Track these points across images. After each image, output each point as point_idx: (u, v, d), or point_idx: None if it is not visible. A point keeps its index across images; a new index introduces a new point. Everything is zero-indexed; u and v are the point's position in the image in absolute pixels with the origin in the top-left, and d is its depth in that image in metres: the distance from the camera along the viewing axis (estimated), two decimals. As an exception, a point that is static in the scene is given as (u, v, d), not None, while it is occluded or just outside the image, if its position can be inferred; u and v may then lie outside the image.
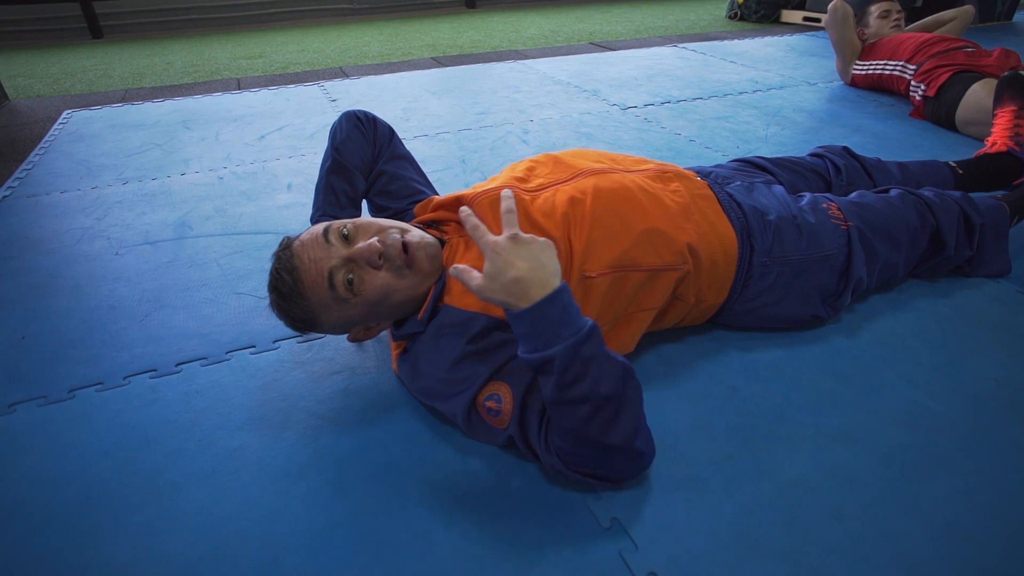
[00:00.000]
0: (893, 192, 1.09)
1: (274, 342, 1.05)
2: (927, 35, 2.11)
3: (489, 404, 0.75)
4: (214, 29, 4.42)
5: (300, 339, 1.05)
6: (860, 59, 2.33)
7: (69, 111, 2.44)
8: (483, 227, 0.69)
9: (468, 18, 4.57)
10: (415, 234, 0.85)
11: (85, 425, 0.89)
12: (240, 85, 2.79)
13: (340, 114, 1.09)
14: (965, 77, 1.87)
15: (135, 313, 1.14)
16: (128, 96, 2.68)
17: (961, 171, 1.29)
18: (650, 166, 0.99)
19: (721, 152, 1.79)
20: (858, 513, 0.72)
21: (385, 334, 1.05)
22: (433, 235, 0.90)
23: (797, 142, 1.85)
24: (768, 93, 2.35)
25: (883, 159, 1.27)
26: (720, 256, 0.92)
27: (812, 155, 1.26)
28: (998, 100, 1.48)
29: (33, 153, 2.00)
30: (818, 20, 3.60)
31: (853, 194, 1.08)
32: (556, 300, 0.65)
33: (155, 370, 1.00)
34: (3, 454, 0.84)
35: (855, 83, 2.37)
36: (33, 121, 2.37)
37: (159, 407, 0.92)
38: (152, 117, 2.32)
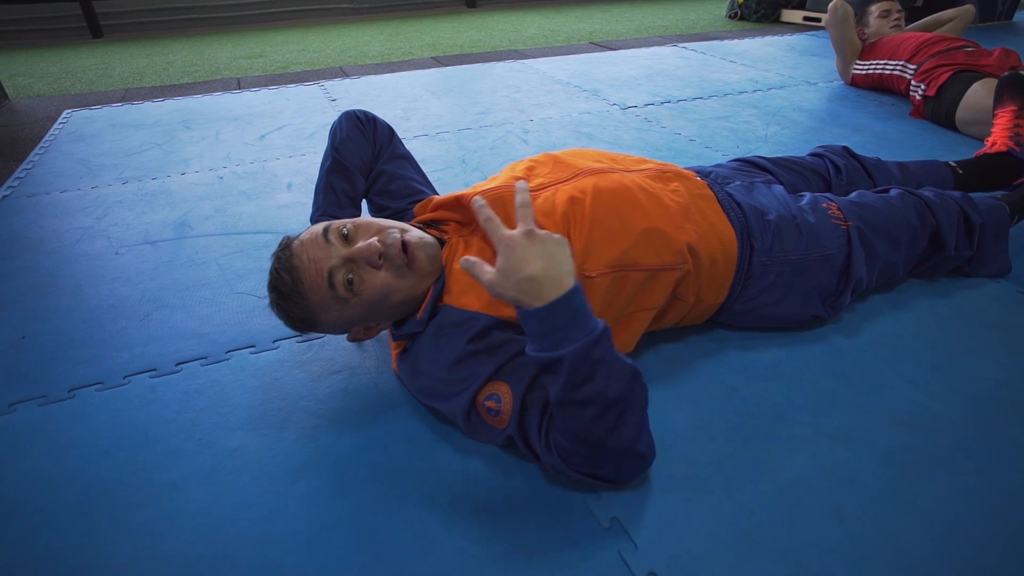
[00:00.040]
0: (893, 192, 1.09)
1: (274, 342, 1.05)
2: (927, 35, 2.11)
3: (489, 404, 0.75)
4: (214, 29, 4.42)
5: (300, 339, 1.05)
6: (860, 59, 2.33)
7: (69, 111, 2.44)
8: (497, 220, 0.68)
9: (468, 18, 4.57)
10: (414, 234, 0.85)
11: (85, 425, 0.89)
12: (240, 85, 2.79)
13: (340, 114, 1.09)
14: (965, 77, 1.87)
15: (135, 313, 1.14)
16: (128, 96, 2.68)
17: (961, 171, 1.29)
18: (650, 166, 0.99)
19: (721, 152, 1.79)
20: (858, 513, 0.72)
21: (385, 334, 1.05)
22: (433, 235, 0.90)
23: (797, 142, 1.85)
24: (768, 93, 2.35)
25: (883, 159, 1.27)
26: (720, 256, 0.92)
27: (812, 155, 1.26)
28: (998, 100, 1.48)
29: (33, 153, 2.00)
30: (818, 20, 3.60)
31: (853, 194, 1.08)
32: (570, 301, 0.64)
33: (155, 370, 1.00)
34: (3, 454, 0.84)
35: (855, 83, 2.37)
36: (33, 121, 2.37)
37: (159, 407, 0.92)
38: (152, 117, 2.32)
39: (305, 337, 1.05)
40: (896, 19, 2.32)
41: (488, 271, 0.67)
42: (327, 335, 1.04)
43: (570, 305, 0.64)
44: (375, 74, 2.87)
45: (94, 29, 4.18)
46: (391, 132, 1.13)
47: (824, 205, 1.02)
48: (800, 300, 0.98)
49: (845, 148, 1.25)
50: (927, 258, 1.10)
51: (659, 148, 1.84)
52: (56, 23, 4.13)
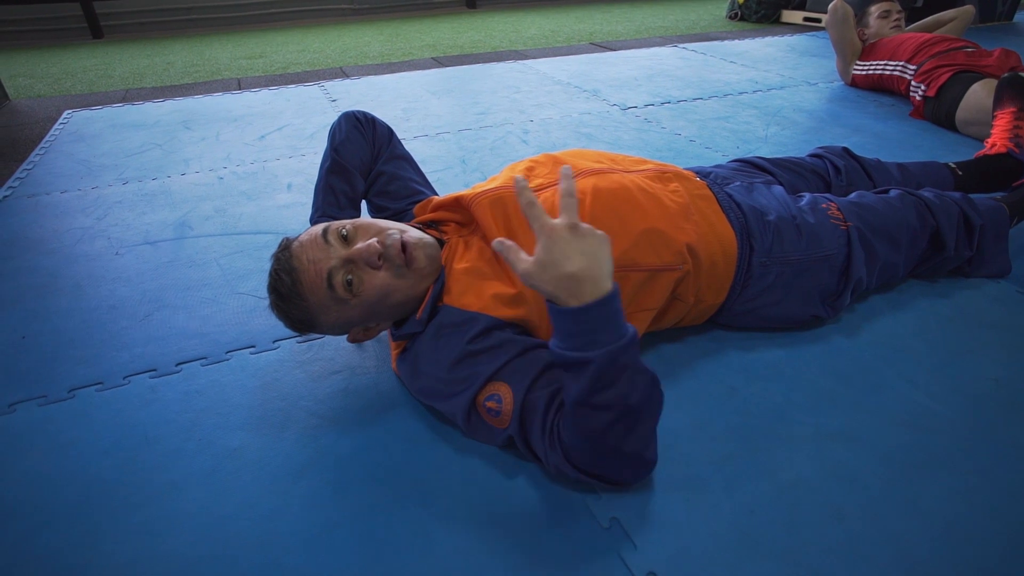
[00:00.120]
0: (893, 193, 1.09)
1: (274, 342, 1.05)
2: (927, 35, 2.11)
3: (489, 404, 0.75)
4: (215, 29, 4.43)
5: (300, 339, 1.05)
6: (860, 59, 2.33)
7: (69, 111, 2.45)
8: (540, 206, 0.64)
9: (468, 18, 4.58)
10: (413, 234, 0.85)
11: (85, 425, 0.89)
12: (240, 85, 2.79)
13: (339, 114, 1.09)
14: (965, 77, 1.87)
15: (135, 313, 1.14)
16: (128, 96, 2.68)
17: (961, 172, 1.29)
18: (649, 166, 0.99)
19: (721, 152, 1.79)
20: (858, 513, 0.72)
21: (384, 334, 1.05)
22: (432, 235, 0.90)
23: (797, 142, 1.85)
24: (768, 93, 2.35)
25: (883, 159, 1.27)
26: (719, 256, 0.92)
27: (812, 155, 1.26)
28: (998, 101, 1.48)
29: (33, 153, 2.00)
30: (818, 20, 3.60)
31: (853, 194, 1.08)
32: (607, 304, 0.63)
33: (155, 370, 1.00)
34: (3, 454, 0.84)
35: (855, 83, 2.37)
36: (33, 121, 2.37)
37: (159, 407, 0.92)
38: (152, 117, 2.32)
39: (305, 337, 1.05)
40: (896, 20, 2.32)
41: (524, 259, 0.64)
42: (327, 335, 1.04)
43: (607, 308, 0.63)
44: (375, 74, 2.87)
45: (95, 30, 4.18)
46: (390, 133, 1.13)
47: (824, 206, 1.02)
48: (800, 300, 0.98)
49: (845, 149, 1.25)
50: (927, 259, 1.10)
51: (659, 149, 1.84)
52: (57, 24, 4.14)
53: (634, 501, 0.74)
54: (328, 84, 2.70)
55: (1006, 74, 1.49)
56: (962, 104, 1.83)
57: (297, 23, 4.60)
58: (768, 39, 3.33)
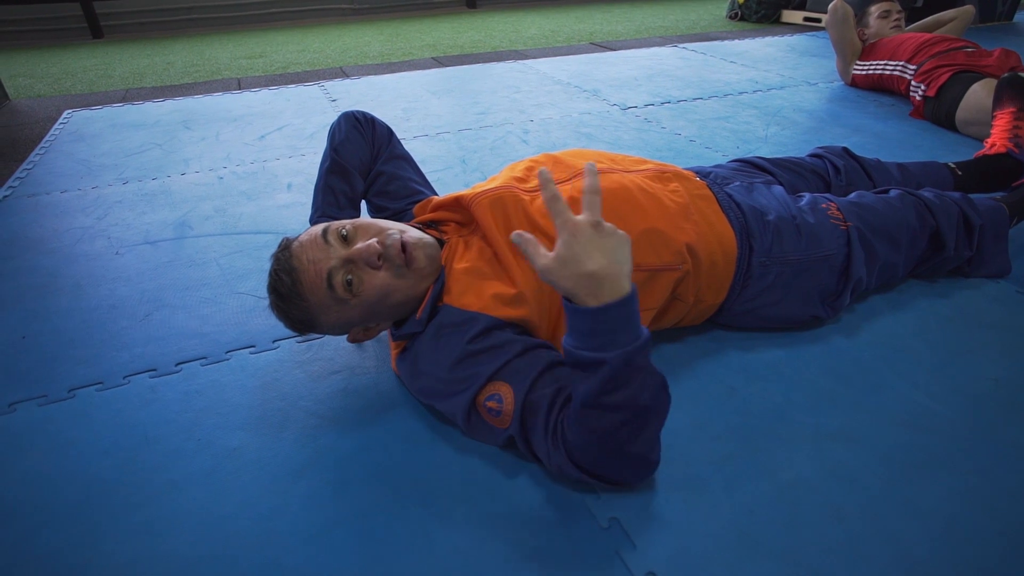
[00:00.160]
0: (892, 193, 1.09)
1: (274, 342, 1.05)
2: (927, 35, 2.11)
3: (490, 404, 0.75)
4: (215, 29, 4.43)
5: (299, 339, 1.05)
6: (860, 59, 2.33)
7: (69, 111, 2.45)
8: (563, 200, 0.63)
9: (469, 18, 4.58)
10: (413, 234, 0.85)
11: (85, 424, 0.89)
12: (240, 85, 2.79)
13: (339, 114, 1.09)
14: (965, 77, 1.87)
15: (135, 313, 1.14)
16: (128, 96, 2.68)
17: (960, 172, 1.29)
18: (649, 166, 0.99)
19: (721, 152, 1.79)
20: (858, 513, 0.72)
21: (384, 333, 1.05)
22: (432, 235, 0.90)
23: (797, 142, 1.85)
24: (768, 93, 2.35)
25: (883, 159, 1.27)
26: (719, 256, 0.92)
27: (811, 155, 1.26)
28: (997, 101, 1.48)
29: (34, 153, 2.00)
30: (818, 20, 3.60)
31: (852, 194, 1.08)
32: (625, 306, 0.63)
33: (155, 370, 1.00)
34: (3, 453, 0.84)
35: (855, 83, 2.37)
36: (34, 121, 2.37)
37: (159, 407, 0.92)
38: (152, 117, 2.32)
39: (305, 337, 1.05)
40: (896, 20, 2.32)
41: (544, 254, 0.64)
42: (327, 335, 1.04)
43: (626, 309, 0.63)
44: (375, 74, 2.87)
45: (95, 29, 4.18)
46: (390, 133, 1.13)
47: (823, 206, 1.02)
48: (800, 300, 0.98)
49: (845, 149, 1.26)
50: (927, 259, 1.10)
51: (659, 148, 1.84)
52: (57, 23, 4.14)
53: (634, 501, 0.74)
54: (328, 84, 2.70)
55: (1006, 74, 1.49)
56: (962, 104, 1.83)
57: (297, 23, 4.60)
58: (768, 39, 3.33)
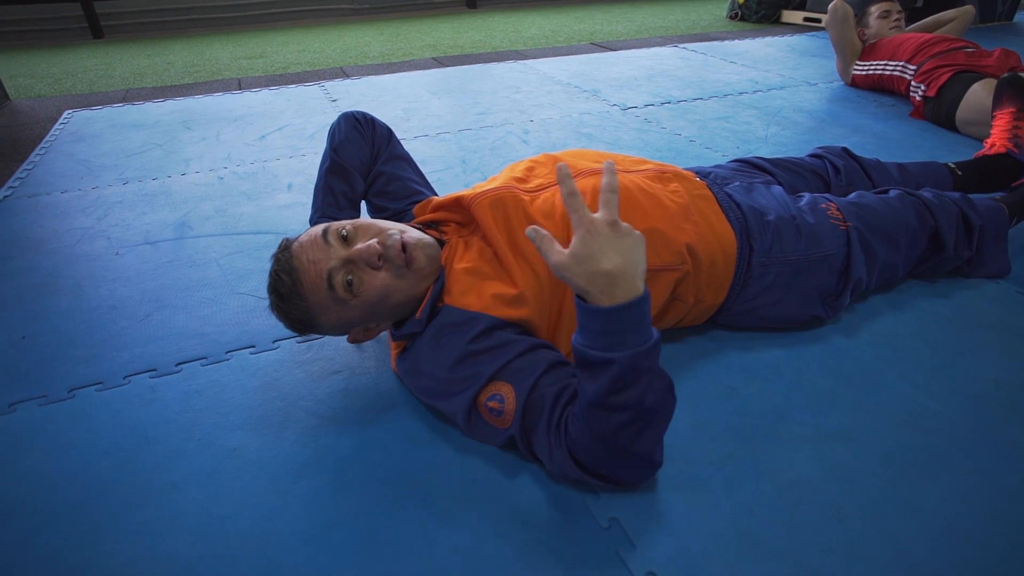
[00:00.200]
0: (892, 193, 1.09)
1: (274, 342, 1.05)
2: (927, 35, 2.11)
3: (491, 404, 0.75)
4: (215, 29, 4.43)
5: (300, 339, 1.05)
6: (860, 59, 2.33)
7: (70, 111, 2.45)
8: (581, 198, 0.63)
9: (469, 18, 4.58)
10: (413, 234, 0.85)
11: (85, 425, 0.89)
12: (241, 85, 2.79)
13: (339, 115, 1.09)
14: (965, 77, 1.87)
15: (135, 313, 1.14)
16: (129, 96, 2.68)
17: (960, 172, 1.30)
18: (649, 166, 0.99)
19: (721, 152, 1.79)
20: (858, 513, 0.72)
21: (384, 333, 1.05)
22: (432, 235, 0.90)
23: (797, 142, 1.85)
24: (768, 93, 2.35)
25: (883, 160, 1.27)
26: (719, 256, 0.92)
27: (811, 156, 1.26)
28: (997, 102, 1.48)
29: (34, 153, 2.00)
30: (818, 20, 3.60)
31: (852, 195, 1.08)
32: (638, 306, 0.63)
33: (155, 370, 1.00)
34: (3, 453, 0.84)
35: (855, 83, 2.37)
36: (34, 121, 2.37)
37: (159, 407, 0.92)
38: (153, 117, 2.32)
39: (305, 337, 1.05)
40: (896, 20, 2.32)
41: (559, 251, 0.63)
42: (327, 336, 1.04)
43: (637, 311, 0.63)
44: (376, 74, 2.87)
45: (95, 30, 4.18)
46: (389, 133, 1.13)
47: (823, 206, 1.02)
48: (799, 300, 0.98)
49: (844, 149, 1.26)
50: (926, 259, 1.10)
51: (659, 149, 1.84)
52: (57, 24, 4.14)
53: (633, 501, 0.74)
54: (328, 84, 2.70)
55: (1005, 74, 1.49)
56: (962, 104, 1.83)
57: (297, 23, 4.60)
58: (768, 39, 3.33)
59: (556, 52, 3.26)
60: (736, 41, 3.30)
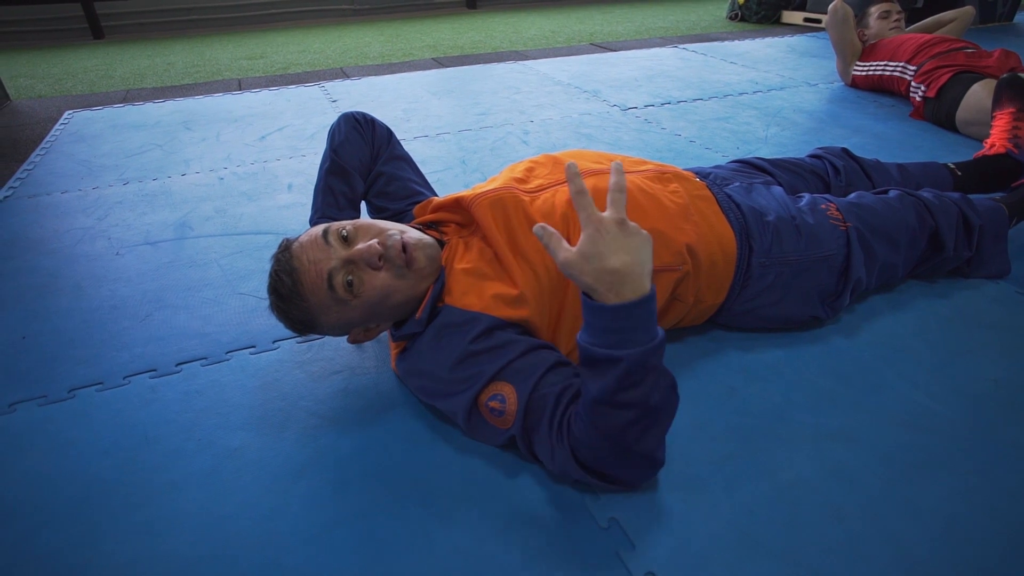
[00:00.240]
0: (892, 193, 1.09)
1: (274, 342, 1.05)
2: (927, 36, 2.11)
3: (493, 404, 0.75)
4: (215, 30, 4.43)
5: (300, 339, 1.05)
6: (860, 60, 2.33)
7: (70, 111, 2.45)
8: (590, 196, 0.64)
9: (469, 19, 4.58)
10: (413, 235, 0.85)
11: (85, 425, 0.89)
12: (241, 86, 2.79)
13: (339, 115, 1.09)
14: (965, 78, 1.87)
15: (135, 313, 1.14)
16: (129, 96, 2.68)
17: (960, 173, 1.30)
18: (649, 167, 0.99)
19: (721, 153, 1.79)
20: (858, 513, 0.72)
21: (384, 333, 1.05)
22: (432, 236, 0.90)
23: (797, 143, 1.85)
24: (768, 94, 2.35)
25: (883, 160, 1.27)
26: (719, 257, 0.92)
27: (811, 156, 1.26)
28: (996, 102, 1.48)
29: (34, 153, 2.01)
30: (819, 21, 3.61)
31: (852, 195, 1.08)
32: (644, 305, 0.63)
33: (155, 370, 1.00)
34: (3, 453, 0.85)
35: (855, 84, 2.37)
36: (34, 121, 2.37)
37: (159, 407, 0.92)
38: (153, 118, 2.32)
39: (305, 338, 1.05)
40: (896, 20, 2.32)
41: (566, 248, 0.64)
42: (327, 336, 1.04)
43: (645, 308, 0.63)
44: (376, 75, 2.88)
45: (95, 30, 4.19)
46: (389, 134, 1.13)
47: (823, 206, 1.02)
48: (799, 301, 0.98)
49: (844, 150, 1.26)
50: (926, 259, 1.10)
51: (659, 149, 1.84)
52: (57, 24, 4.14)
53: (633, 501, 0.74)
54: (328, 84, 2.71)
55: (1005, 75, 1.49)
56: (962, 105, 1.83)
57: (298, 23, 4.61)
58: (768, 40, 3.33)
59: (556, 52, 3.26)
60: (736, 42, 3.30)
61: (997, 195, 1.22)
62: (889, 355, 0.97)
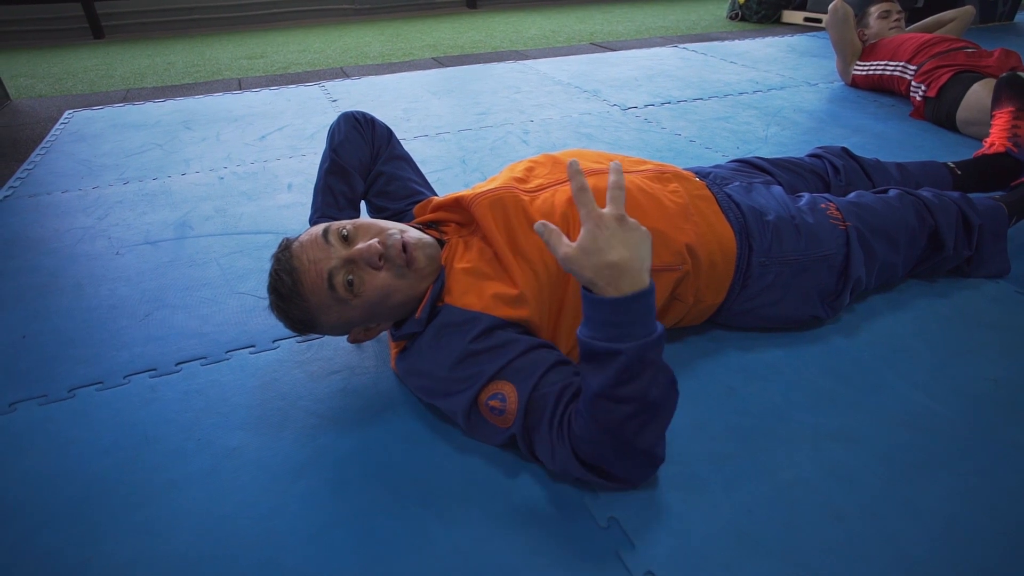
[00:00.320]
0: (891, 192, 1.09)
1: (273, 342, 1.05)
2: (928, 36, 2.11)
3: (493, 403, 0.75)
4: (215, 29, 4.43)
5: (299, 339, 1.05)
6: (861, 60, 2.33)
7: (70, 111, 2.45)
8: (591, 193, 0.65)
9: (469, 18, 4.58)
10: (413, 234, 0.85)
11: (85, 424, 0.89)
12: (241, 85, 2.79)
13: (338, 115, 1.09)
14: (966, 77, 1.87)
15: (135, 312, 1.15)
16: (129, 96, 2.68)
17: (959, 172, 1.30)
18: (648, 167, 0.99)
19: (721, 153, 1.79)
20: (857, 513, 0.72)
21: (384, 333, 1.05)
22: (432, 235, 0.90)
23: (797, 143, 1.85)
24: (768, 94, 2.35)
25: (883, 160, 1.27)
26: (719, 256, 0.92)
27: (811, 156, 1.26)
28: (996, 101, 1.48)
29: (35, 153, 2.01)
30: (819, 21, 3.60)
31: (852, 194, 1.08)
32: (644, 298, 0.64)
33: (155, 369, 1.00)
34: (3, 453, 0.85)
35: (856, 84, 2.37)
36: (35, 121, 2.37)
37: (159, 406, 0.92)
38: (153, 117, 2.32)
39: (304, 337, 1.05)
40: (896, 20, 2.32)
41: (566, 244, 0.65)
42: (327, 335, 1.04)
43: (644, 302, 0.64)
44: (376, 75, 2.87)
45: (96, 30, 4.19)
46: (389, 133, 1.13)
47: (823, 206, 1.02)
48: (799, 300, 0.98)
49: (844, 149, 1.26)
50: (926, 258, 1.10)
51: (659, 149, 1.84)
52: (58, 24, 4.14)
53: (632, 501, 0.74)
54: (329, 84, 2.71)
55: (1004, 74, 1.49)
56: (962, 104, 1.83)
57: (298, 23, 4.61)
58: (768, 39, 3.33)
59: (556, 52, 3.26)
60: (736, 41, 3.30)
61: (997, 194, 1.22)
62: (889, 355, 0.97)
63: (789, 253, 0.96)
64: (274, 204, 1.57)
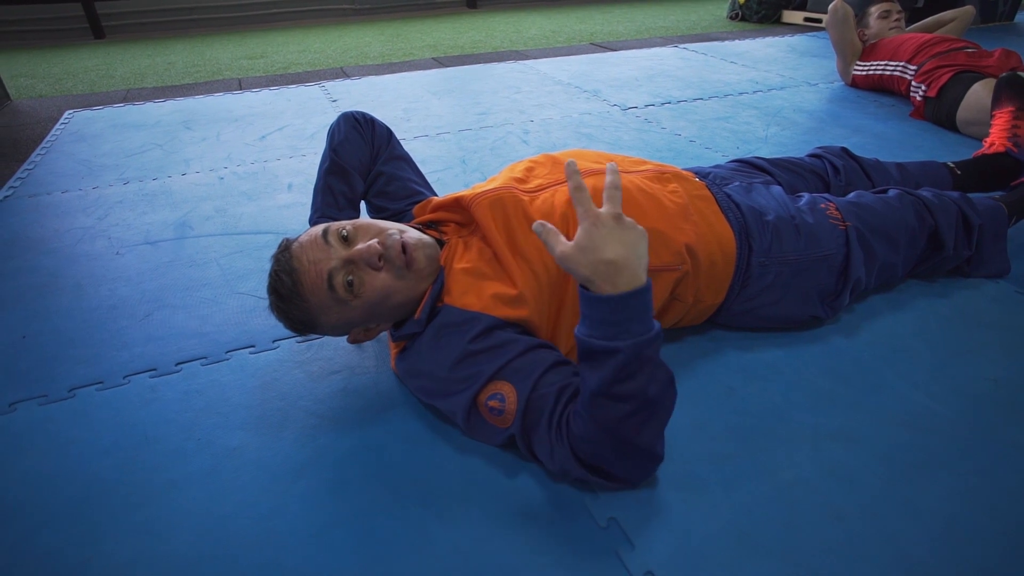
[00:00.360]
0: (891, 192, 1.09)
1: (273, 342, 1.05)
2: (928, 36, 2.11)
3: (492, 404, 0.75)
4: (216, 29, 4.43)
5: (299, 339, 1.05)
6: (861, 60, 2.33)
7: (71, 111, 2.45)
8: (588, 192, 0.66)
9: (469, 18, 4.58)
10: (413, 235, 0.85)
11: (85, 424, 0.89)
12: (241, 85, 2.79)
13: (338, 115, 1.09)
14: (966, 77, 1.87)
15: (135, 313, 1.15)
16: (129, 96, 2.68)
17: (959, 172, 1.29)
18: (648, 167, 0.99)
19: (721, 153, 1.79)
20: (857, 513, 0.72)
21: (384, 333, 1.05)
22: (432, 236, 0.90)
23: (797, 143, 1.85)
24: (768, 94, 2.35)
25: (883, 160, 1.27)
26: (718, 256, 0.92)
27: (810, 156, 1.26)
28: (996, 101, 1.48)
29: (35, 153, 2.01)
30: (819, 21, 3.60)
31: (851, 194, 1.08)
32: (641, 296, 0.64)
33: (155, 369, 1.00)
34: (3, 453, 0.85)
35: (856, 84, 2.37)
36: (35, 121, 2.37)
37: (159, 406, 0.92)
38: (153, 117, 2.32)
39: (304, 337, 1.05)
40: (896, 20, 2.32)
41: (563, 242, 0.66)
42: (327, 336, 1.04)
43: (641, 300, 0.65)
44: (376, 75, 2.88)
45: (96, 30, 4.19)
46: (389, 133, 1.13)
47: (822, 206, 1.02)
48: (799, 300, 0.98)
49: (844, 149, 1.26)
50: (926, 258, 1.10)
51: (659, 149, 1.84)
52: (58, 24, 4.14)
53: (632, 501, 0.74)
54: (329, 84, 2.71)
55: (1004, 74, 1.49)
56: (963, 104, 1.83)
57: (298, 23, 4.61)
58: (768, 39, 3.33)
59: (556, 52, 3.26)
60: (736, 41, 3.30)
61: (997, 194, 1.22)
62: (889, 355, 0.97)
63: (789, 253, 0.96)
64: (274, 204, 1.57)
